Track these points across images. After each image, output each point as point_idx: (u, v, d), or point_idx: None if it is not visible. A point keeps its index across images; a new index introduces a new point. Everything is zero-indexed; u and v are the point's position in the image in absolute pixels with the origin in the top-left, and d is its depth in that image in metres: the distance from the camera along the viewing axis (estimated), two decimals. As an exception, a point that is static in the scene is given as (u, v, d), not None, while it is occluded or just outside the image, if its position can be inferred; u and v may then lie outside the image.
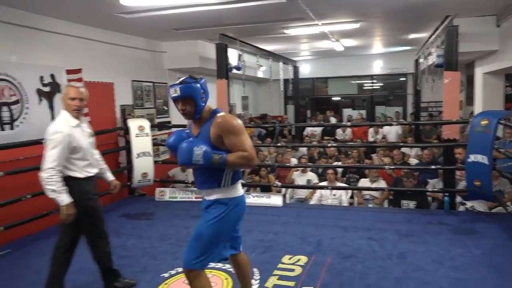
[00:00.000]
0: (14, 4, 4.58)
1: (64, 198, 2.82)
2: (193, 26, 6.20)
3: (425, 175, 6.17)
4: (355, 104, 13.53)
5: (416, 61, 9.83)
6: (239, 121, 2.34)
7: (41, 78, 4.98)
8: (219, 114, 2.31)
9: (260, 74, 10.03)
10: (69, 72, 5.35)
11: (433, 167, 5.83)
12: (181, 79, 2.34)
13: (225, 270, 3.53)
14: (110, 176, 3.36)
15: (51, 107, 5.10)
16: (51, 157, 2.79)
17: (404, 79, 12.22)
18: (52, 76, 5.14)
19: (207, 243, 2.33)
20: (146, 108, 7.29)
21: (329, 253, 3.89)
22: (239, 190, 2.45)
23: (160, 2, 4.72)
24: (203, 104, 2.34)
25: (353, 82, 13.04)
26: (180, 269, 3.56)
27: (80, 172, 2.97)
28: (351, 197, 6.21)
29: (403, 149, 7.51)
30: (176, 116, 8.06)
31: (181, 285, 3.27)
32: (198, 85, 2.31)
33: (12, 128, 4.59)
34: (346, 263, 3.65)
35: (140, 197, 6.58)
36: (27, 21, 4.85)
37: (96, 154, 3.24)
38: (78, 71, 5.45)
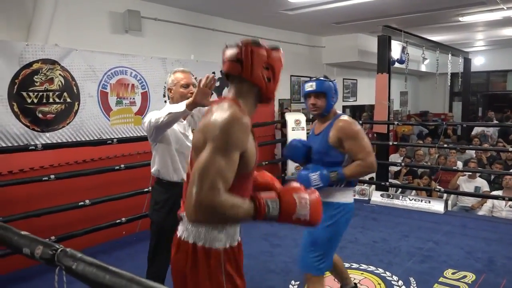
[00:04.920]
0: (192, 8, 5.16)
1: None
2: (356, 19, 6.03)
3: None
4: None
5: None
6: (359, 127, 2.38)
7: (213, 74, 5.51)
8: (341, 118, 2.39)
9: (423, 68, 9.26)
10: (235, 67, 5.80)
11: None
12: (316, 78, 2.47)
13: (378, 275, 3.37)
14: None
15: (220, 99, 5.60)
16: None
17: None
18: (222, 72, 5.62)
19: (327, 246, 2.35)
20: (302, 102, 7.39)
21: (504, 275, 3.36)
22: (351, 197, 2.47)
23: (324, -4, 4.72)
24: (332, 103, 2.43)
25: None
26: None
27: None
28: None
29: None
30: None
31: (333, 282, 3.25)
32: (332, 84, 2.43)
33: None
34: (527, 290, 3.11)
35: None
36: (204, 22, 5.42)
37: None
38: (243, 66, 5.86)
